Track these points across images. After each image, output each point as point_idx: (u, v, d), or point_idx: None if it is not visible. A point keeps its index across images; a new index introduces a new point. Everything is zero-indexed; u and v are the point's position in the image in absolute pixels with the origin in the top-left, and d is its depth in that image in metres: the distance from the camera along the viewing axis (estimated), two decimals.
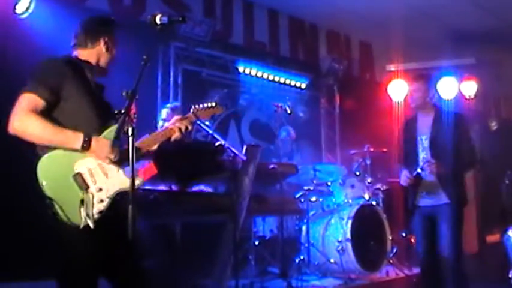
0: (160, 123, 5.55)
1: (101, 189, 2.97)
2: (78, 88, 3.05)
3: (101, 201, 2.96)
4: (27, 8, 5.37)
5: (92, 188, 2.96)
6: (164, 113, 5.71)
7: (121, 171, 3.06)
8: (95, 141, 2.96)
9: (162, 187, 4.93)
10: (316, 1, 8.29)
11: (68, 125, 2.96)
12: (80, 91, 3.05)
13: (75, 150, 2.93)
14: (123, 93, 2.74)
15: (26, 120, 2.88)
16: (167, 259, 4.79)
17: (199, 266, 5.07)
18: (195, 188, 5.33)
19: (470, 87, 9.26)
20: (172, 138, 3.32)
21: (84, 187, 2.93)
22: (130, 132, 2.71)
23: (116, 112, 2.65)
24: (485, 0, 8.22)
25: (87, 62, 3.22)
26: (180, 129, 3.29)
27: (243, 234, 5.88)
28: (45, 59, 3.11)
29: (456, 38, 9.08)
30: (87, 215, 2.89)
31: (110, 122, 3.08)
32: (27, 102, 2.91)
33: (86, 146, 2.92)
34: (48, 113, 2.95)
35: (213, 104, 3.56)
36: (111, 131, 3.02)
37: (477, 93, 9.31)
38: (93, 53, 3.25)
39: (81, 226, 2.87)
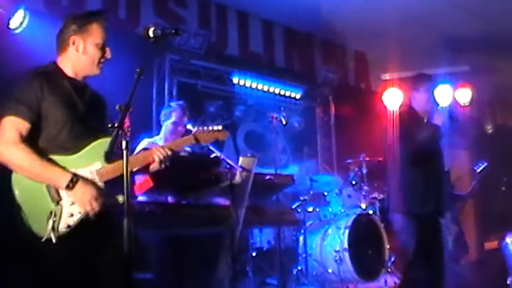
0: (170, 126, 5.52)
1: (73, 203, 2.86)
2: (54, 104, 2.95)
3: (71, 215, 2.85)
4: (21, 23, 5.31)
5: (65, 201, 2.85)
6: (174, 115, 5.64)
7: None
8: (80, 185, 2.86)
9: (157, 199, 4.92)
10: (311, 11, 8.30)
11: (47, 147, 2.90)
12: (58, 108, 2.95)
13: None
14: (117, 107, 2.71)
15: (14, 152, 2.80)
16: (164, 272, 4.77)
17: (196, 279, 5.04)
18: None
19: (465, 94, 9.26)
20: (151, 167, 3.23)
21: (56, 199, 2.84)
22: (124, 146, 2.68)
23: (109, 125, 2.62)
24: (479, 8, 8.24)
25: (62, 71, 3.09)
26: (160, 159, 3.16)
27: (240, 245, 5.85)
28: (21, 74, 3.00)
29: (450, 45, 9.09)
30: (52, 228, 2.77)
31: (91, 136, 3.02)
32: (13, 128, 2.83)
33: (70, 187, 2.84)
34: (31, 136, 2.87)
35: (219, 128, 3.48)
36: (95, 146, 2.98)
37: (472, 100, 9.32)
38: (66, 59, 3.11)
39: (43, 239, 2.77)
